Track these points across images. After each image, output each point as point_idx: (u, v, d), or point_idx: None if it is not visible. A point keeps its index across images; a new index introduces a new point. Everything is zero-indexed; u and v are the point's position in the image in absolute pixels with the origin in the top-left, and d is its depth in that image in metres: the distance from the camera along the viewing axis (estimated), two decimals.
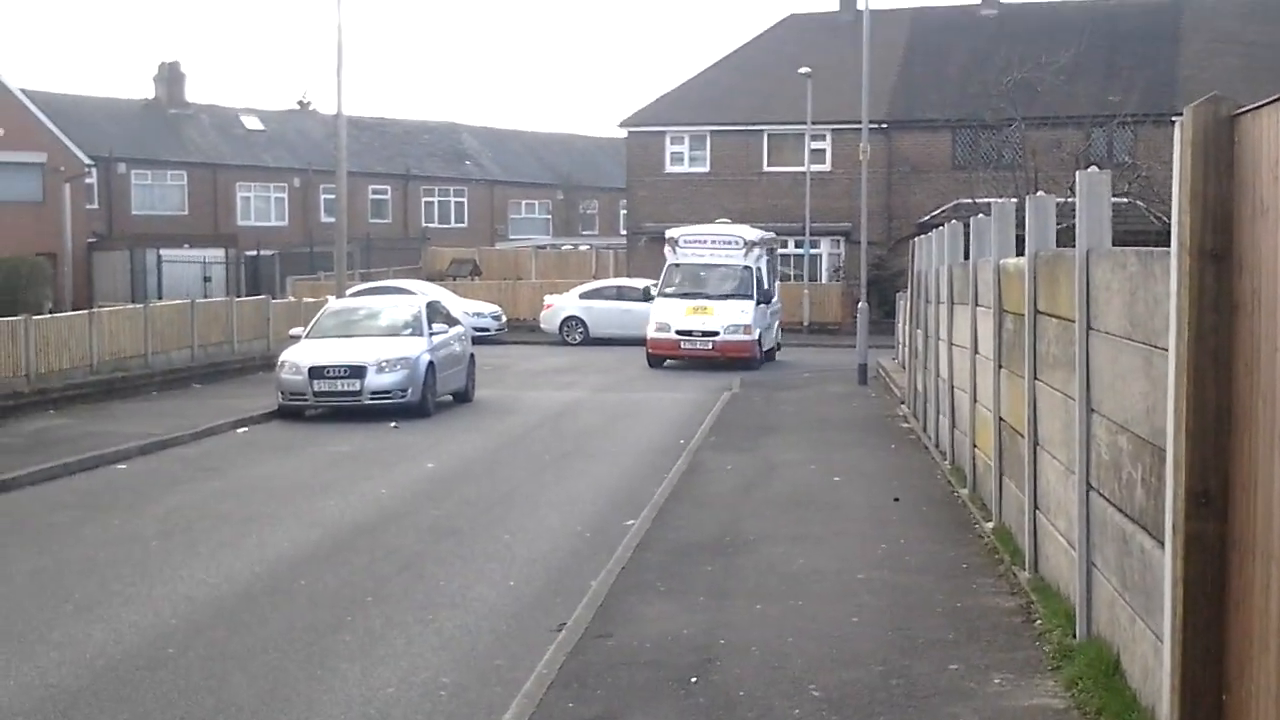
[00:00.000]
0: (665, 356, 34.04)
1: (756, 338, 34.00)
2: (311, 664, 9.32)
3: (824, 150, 50.19)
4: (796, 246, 49.91)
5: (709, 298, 34.27)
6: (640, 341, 35.47)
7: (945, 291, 16.77)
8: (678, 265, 35.55)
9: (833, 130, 49.16)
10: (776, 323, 38.04)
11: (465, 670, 9.18)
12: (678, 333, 33.69)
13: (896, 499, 14.71)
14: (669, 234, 36.84)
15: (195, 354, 30.60)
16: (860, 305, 31.38)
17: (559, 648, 9.19)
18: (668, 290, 35.11)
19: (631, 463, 18.79)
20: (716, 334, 33.57)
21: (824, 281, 49.92)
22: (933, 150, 49.31)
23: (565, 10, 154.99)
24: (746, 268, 34.89)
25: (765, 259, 36.23)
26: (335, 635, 10.01)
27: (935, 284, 18.39)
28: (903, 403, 24.18)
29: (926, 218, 44.46)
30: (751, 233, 36.35)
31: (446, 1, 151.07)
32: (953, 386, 16.08)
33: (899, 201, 49.37)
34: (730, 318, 33.69)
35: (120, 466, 18.65)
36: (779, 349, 37.80)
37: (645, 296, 39.65)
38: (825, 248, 50.78)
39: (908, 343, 25.07)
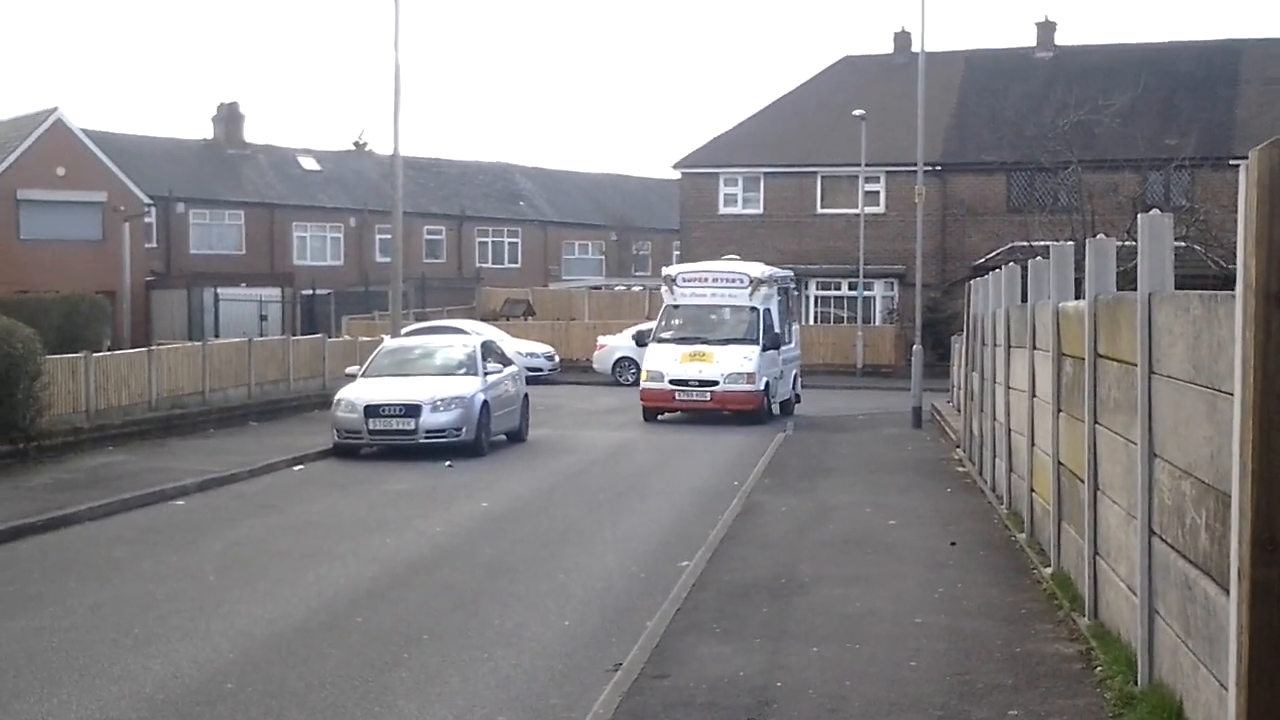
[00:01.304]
0: (659, 409, 30.87)
1: (762, 388, 30.55)
2: (368, 701, 9.35)
3: (878, 192, 50.19)
4: (850, 289, 49.98)
5: (708, 342, 31.02)
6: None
7: (1002, 334, 16.70)
8: (676, 306, 32.38)
9: (887, 172, 49.20)
10: (794, 371, 34.58)
11: (521, 709, 9.18)
12: (672, 382, 30.38)
13: (953, 543, 14.62)
14: (666, 271, 34.28)
15: (252, 392, 30.82)
16: (915, 348, 31.22)
17: (615, 688, 9.18)
18: (664, 334, 31.90)
19: (685, 503, 18.77)
20: (715, 383, 30.18)
21: (877, 324, 49.79)
22: (988, 193, 49.23)
23: (619, 52, 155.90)
24: (752, 309, 31.50)
25: (776, 299, 32.65)
26: (392, 672, 10.04)
27: (992, 327, 18.32)
28: (958, 446, 24.06)
29: (981, 260, 44.36)
30: (758, 269, 32.96)
31: (502, 44, 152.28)
32: (1010, 430, 15.99)
33: (953, 244, 49.29)
34: (731, 365, 30.33)
35: (178, 503, 18.79)
36: (798, 400, 34.28)
37: None
38: (879, 290, 50.71)
39: (963, 386, 24.98)
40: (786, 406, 32.81)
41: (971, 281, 23.46)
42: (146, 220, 53.06)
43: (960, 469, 21.60)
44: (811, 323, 50.62)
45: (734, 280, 32.02)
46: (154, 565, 14.28)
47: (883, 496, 18.51)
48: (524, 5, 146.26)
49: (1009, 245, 42.99)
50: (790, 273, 36.85)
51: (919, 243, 33.29)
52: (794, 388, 34.10)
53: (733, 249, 45.53)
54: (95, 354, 25.97)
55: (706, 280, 32.35)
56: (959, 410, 27.03)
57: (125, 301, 48.54)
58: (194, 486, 19.78)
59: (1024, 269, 14.98)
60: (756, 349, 30.68)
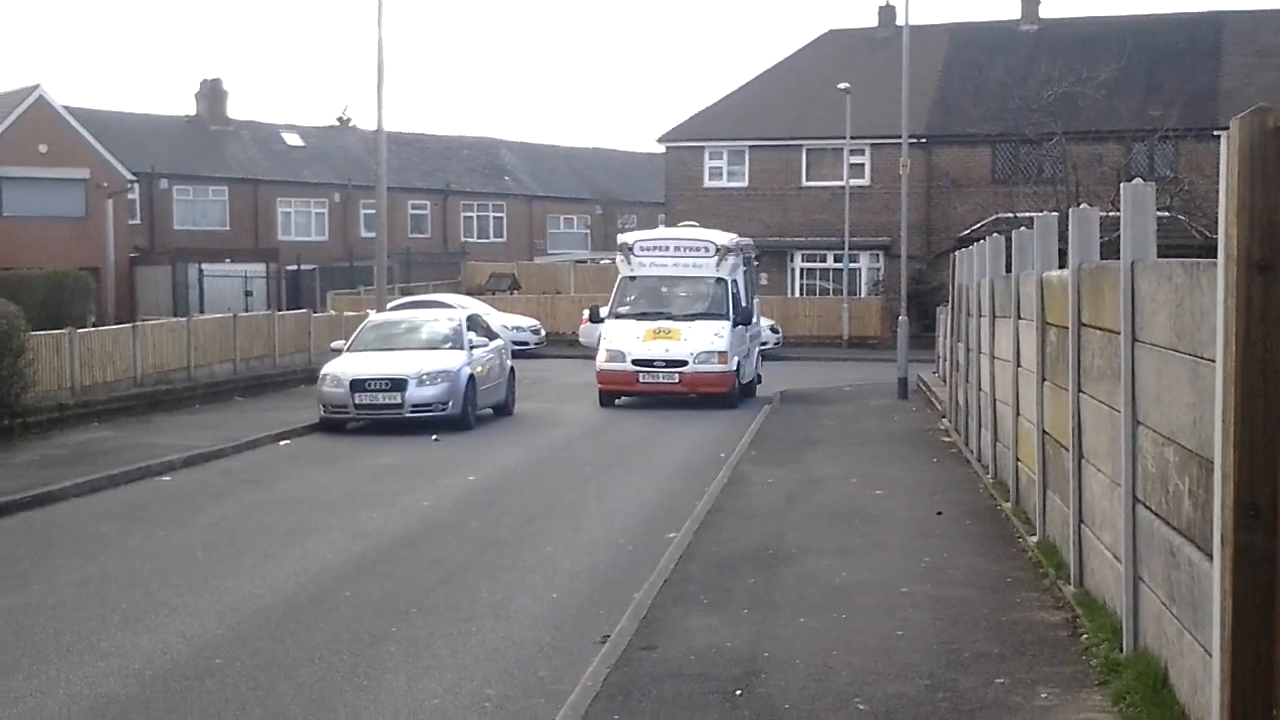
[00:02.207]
0: (618, 392, 28.02)
1: (734, 368, 27.87)
2: (357, 674, 9.37)
3: (863, 165, 50.21)
4: (836, 261, 50.03)
5: (673, 318, 28.25)
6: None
7: (987, 305, 16.73)
8: (633, 278, 29.37)
9: (872, 145, 49.22)
10: (756, 349, 31.30)
11: (510, 682, 9.21)
12: (635, 363, 27.43)
13: (939, 512, 14.67)
14: (622, 239, 30.70)
15: (237, 367, 30.77)
16: (900, 319, 31.23)
17: (603, 660, 9.21)
18: (621, 309, 28.87)
19: (672, 476, 18.80)
20: (684, 363, 27.33)
21: (863, 296, 49.87)
22: (972, 165, 49.27)
23: (603, 26, 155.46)
24: (719, 280, 28.81)
25: (742, 269, 30.12)
26: (380, 646, 10.06)
27: (977, 297, 18.36)
28: (944, 416, 24.12)
29: (966, 232, 44.38)
30: (724, 237, 29.97)
31: (485, 18, 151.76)
32: (995, 399, 16.04)
33: (938, 216, 49.33)
34: (701, 343, 27.50)
35: (165, 478, 18.78)
36: (760, 380, 31.11)
37: None
38: (864, 262, 50.76)
39: (948, 356, 25.03)
40: (749, 389, 29.93)
41: (956, 253, 23.49)
42: (130, 197, 52.92)
43: (946, 439, 21.66)
44: (797, 295, 50.79)
45: (698, 249, 29.20)
46: (141, 541, 14.28)
47: (869, 467, 18.55)
48: None
49: (994, 217, 43.01)
50: (751, 241, 33.83)
51: (904, 215, 33.22)
52: (756, 367, 31.09)
53: (717, 222, 45.44)
54: (80, 330, 25.89)
55: (668, 249, 29.39)
56: (944, 381, 27.08)
57: (109, 278, 48.42)
58: (180, 462, 19.75)
59: (1008, 239, 15.01)
60: (727, 325, 28.04)
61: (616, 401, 28.06)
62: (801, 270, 51.64)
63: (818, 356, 43.55)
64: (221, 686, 9.13)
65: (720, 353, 27.55)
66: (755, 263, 34.41)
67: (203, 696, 8.95)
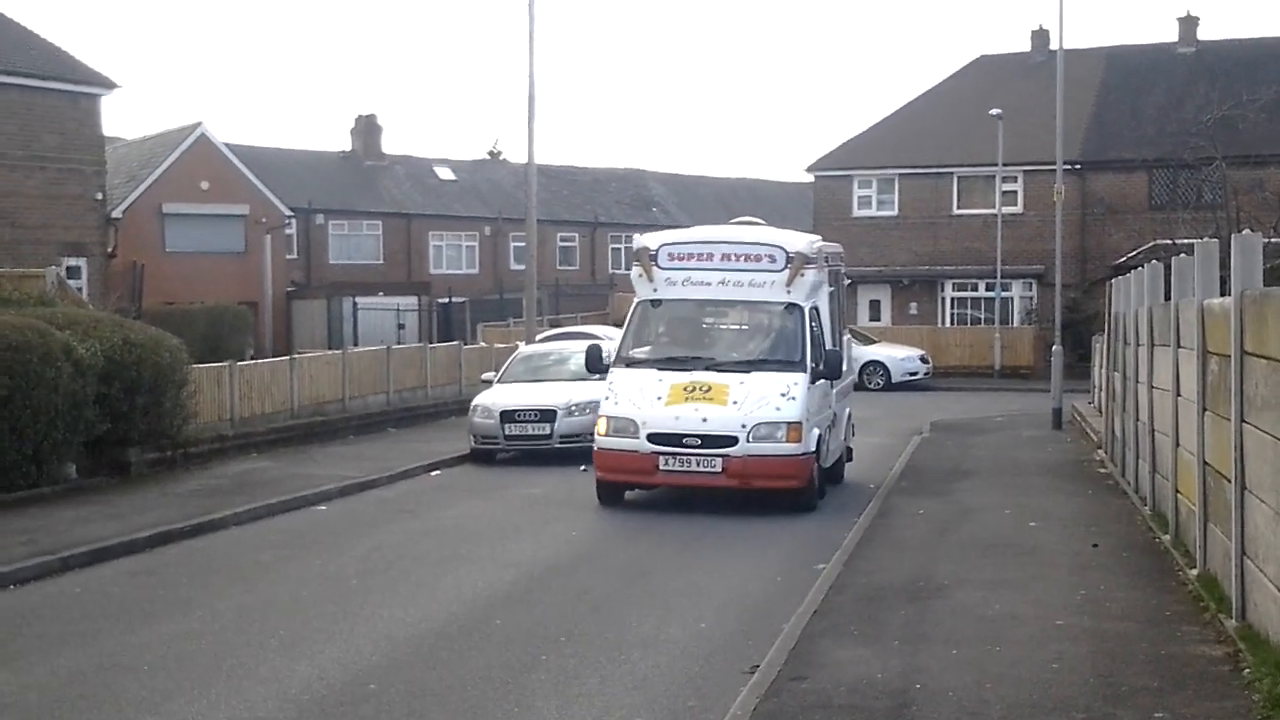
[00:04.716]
0: (626, 485, 18.65)
1: (812, 448, 18.02)
2: (509, 702, 9.43)
3: (1015, 192, 49.63)
4: (987, 289, 49.44)
5: (717, 367, 18.39)
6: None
7: (1145, 333, 16.41)
8: (656, 302, 19.52)
9: (1024, 171, 48.65)
10: (847, 412, 21.56)
11: (659, 711, 9.20)
12: (653, 439, 17.82)
13: (1095, 545, 14.41)
14: (641, 241, 20.01)
15: (390, 399, 31.23)
16: (1055, 348, 30.79)
17: (752, 690, 9.17)
18: (636, 353, 19.16)
19: (821, 506, 18.63)
20: (731, 442, 17.58)
21: (1015, 325, 49.22)
22: (1128, 191, 48.43)
23: (751, 56, 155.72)
24: (791, 306, 18.83)
25: (827, 290, 20.09)
26: (531, 674, 10.12)
27: (1134, 326, 18.02)
28: (1099, 447, 23.69)
29: (1122, 259, 43.64)
30: (799, 240, 19.68)
31: (635, 50, 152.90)
32: (1153, 430, 15.71)
33: (1093, 243, 48.57)
34: (759, 408, 17.71)
35: (321, 508, 19.10)
36: (850, 457, 21.77)
37: None
38: (1016, 290, 50.11)
39: (1104, 386, 24.58)
40: (835, 471, 20.44)
41: (1112, 280, 23.09)
42: (287, 232, 54.01)
43: (1102, 470, 21.26)
44: (948, 324, 50.31)
45: (759, 256, 19.05)
46: (298, 569, 14.53)
47: (1022, 498, 18.28)
48: (657, 12, 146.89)
49: (1151, 244, 42.21)
50: (841, 249, 23.29)
51: (1058, 242, 32.73)
52: (847, 436, 21.60)
53: (867, 251, 44.92)
54: (239, 363, 26.48)
55: (711, 257, 19.17)
56: (1100, 411, 26.60)
57: (267, 312, 49.48)
58: (335, 492, 20.09)
59: (1167, 267, 14.73)
60: (802, 379, 18.17)
61: (627, 495, 18.97)
62: (952, 299, 51.13)
63: (968, 387, 43.07)
64: (376, 712, 9.25)
65: (790, 424, 17.73)
66: (845, 279, 24.19)
67: None
